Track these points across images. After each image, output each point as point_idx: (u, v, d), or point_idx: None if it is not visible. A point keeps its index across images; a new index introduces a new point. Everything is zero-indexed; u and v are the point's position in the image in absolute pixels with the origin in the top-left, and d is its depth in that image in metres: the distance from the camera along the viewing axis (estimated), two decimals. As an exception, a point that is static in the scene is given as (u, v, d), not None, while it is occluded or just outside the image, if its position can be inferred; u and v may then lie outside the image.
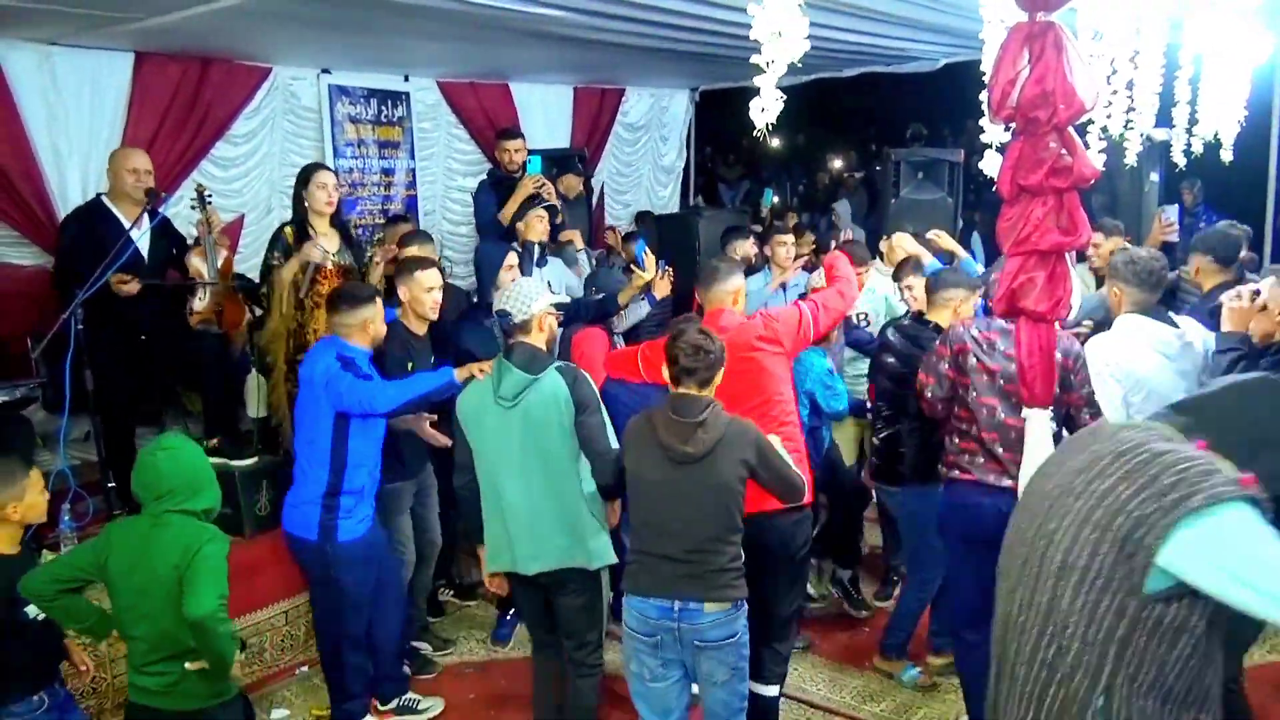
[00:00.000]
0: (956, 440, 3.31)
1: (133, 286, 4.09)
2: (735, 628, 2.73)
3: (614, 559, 3.13)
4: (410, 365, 3.73)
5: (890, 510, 4.26)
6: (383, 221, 6.47)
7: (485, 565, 3.24)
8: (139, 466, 2.66)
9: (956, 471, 3.29)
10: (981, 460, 3.19)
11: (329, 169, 4.50)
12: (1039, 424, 2.58)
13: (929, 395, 3.39)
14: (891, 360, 3.84)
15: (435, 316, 3.86)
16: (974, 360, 3.24)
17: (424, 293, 3.76)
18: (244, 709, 2.82)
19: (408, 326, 3.82)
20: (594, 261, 5.48)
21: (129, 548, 2.58)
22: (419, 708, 3.85)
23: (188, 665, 2.56)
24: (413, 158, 6.82)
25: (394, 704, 3.82)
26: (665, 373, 2.80)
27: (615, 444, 3.04)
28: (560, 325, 3.81)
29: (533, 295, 3.14)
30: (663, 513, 2.73)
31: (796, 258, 5.39)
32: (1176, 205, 5.57)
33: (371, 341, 3.51)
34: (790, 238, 5.50)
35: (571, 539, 3.05)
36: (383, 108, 6.58)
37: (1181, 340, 3.18)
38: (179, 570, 2.50)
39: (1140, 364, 3.13)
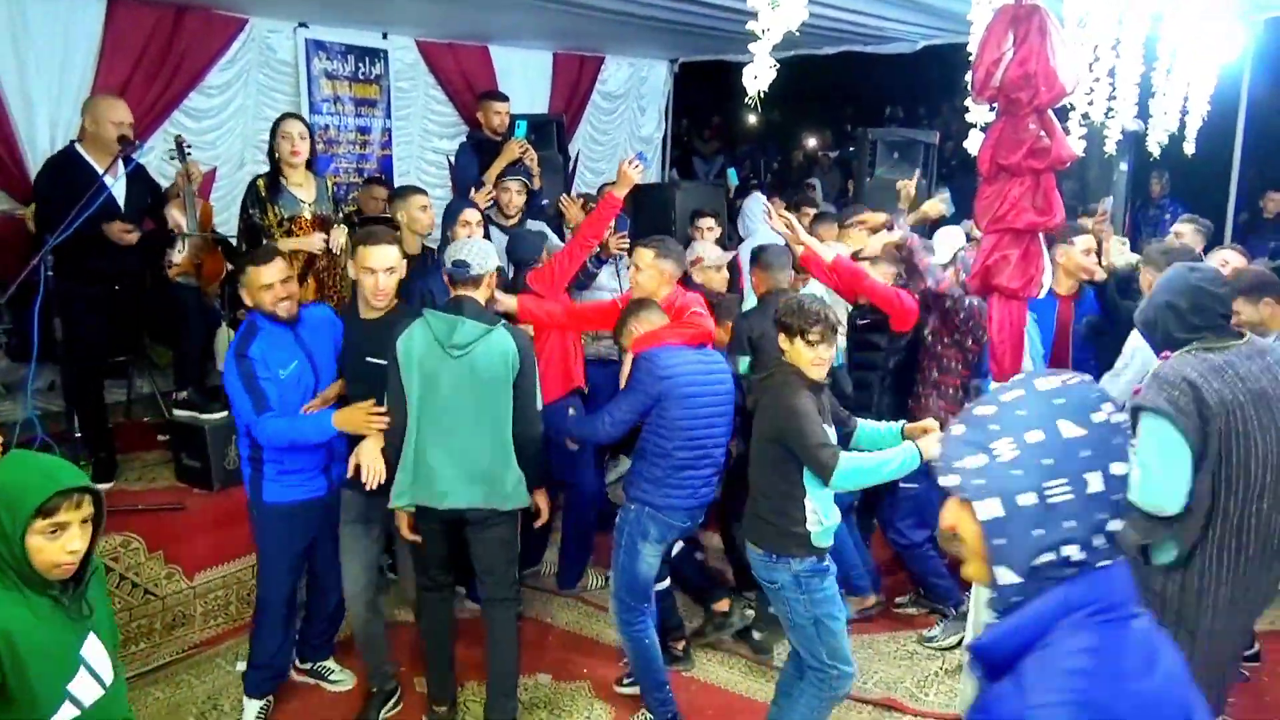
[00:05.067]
0: None
1: (133, 236, 4.08)
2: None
3: (527, 502, 3.26)
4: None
5: None
6: (357, 180, 6.42)
7: (394, 501, 3.19)
8: None
9: None
10: None
11: (297, 117, 4.41)
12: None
13: None
14: None
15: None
16: None
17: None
18: None
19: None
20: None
21: None
22: (329, 677, 3.74)
23: None
24: (389, 117, 6.75)
25: (309, 666, 3.76)
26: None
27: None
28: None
29: (490, 252, 3.25)
30: None
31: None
32: (1109, 197, 5.78)
33: (273, 303, 3.19)
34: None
35: (494, 482, 3.17)
36: (360, 65, 6.49)
37: None
38: None
39: None
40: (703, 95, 10.83)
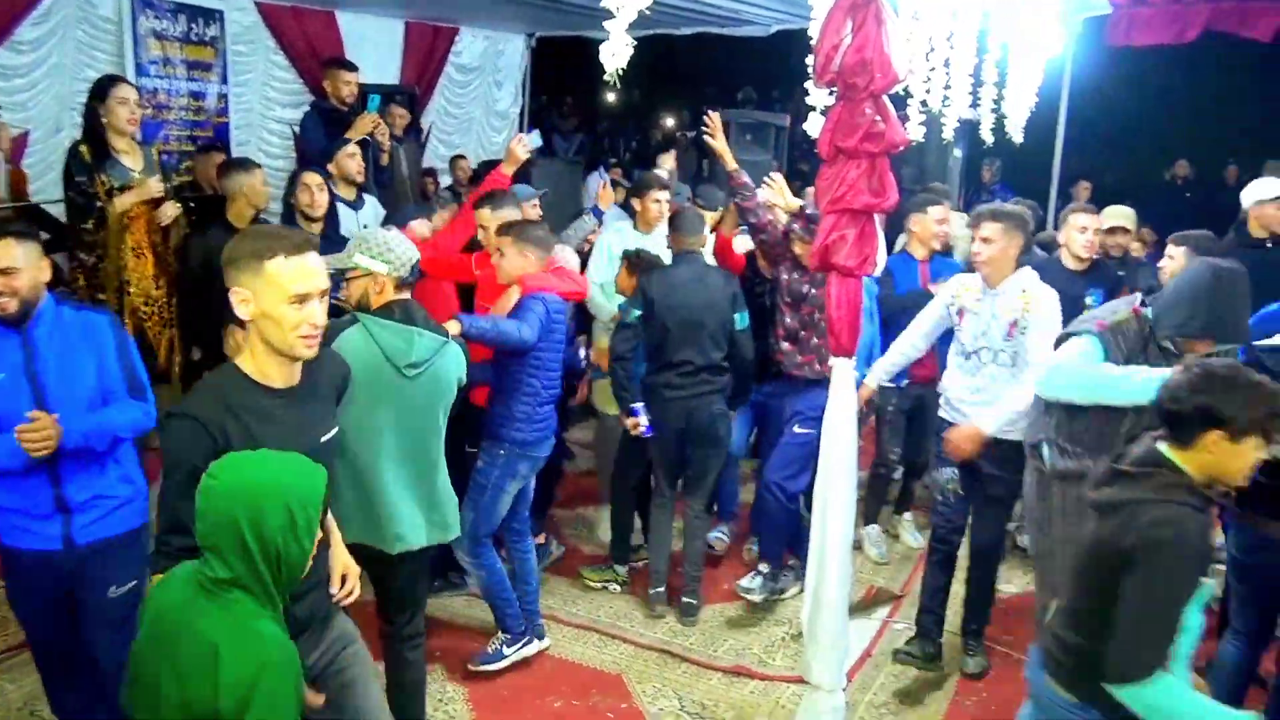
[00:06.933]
0: None
1: None
2: None
3: (459, 532, 3.01)
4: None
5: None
6: (190, 149, 6.06)
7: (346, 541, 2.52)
8: None
9: None
10: None
11: (130, 83, 4.15)
12: (844, 371, 2.76)
13: None
14: None
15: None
16: None
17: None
18: None
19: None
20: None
21: (160, 620, 1.76)
22: None
23: None
24: (225, 82, 6.40)
25: None
26: None
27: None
28: None
29: (406, 242, 2.79)
30: None
31: None
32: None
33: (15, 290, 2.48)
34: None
35: (444, 516, 2.88)
36: (193, 25, 6.12)
37: None
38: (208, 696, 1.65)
39: None
40: (561, 72, 10.77)
